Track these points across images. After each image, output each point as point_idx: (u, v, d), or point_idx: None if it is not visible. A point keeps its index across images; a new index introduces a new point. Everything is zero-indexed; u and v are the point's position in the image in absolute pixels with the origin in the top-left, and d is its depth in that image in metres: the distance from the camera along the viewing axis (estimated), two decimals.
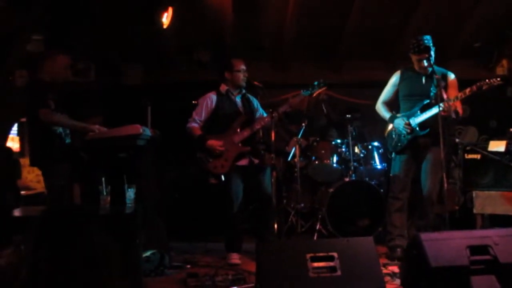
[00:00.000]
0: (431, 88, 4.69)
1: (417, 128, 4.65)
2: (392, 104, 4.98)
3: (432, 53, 4.62)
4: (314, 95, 4.98)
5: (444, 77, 4.65)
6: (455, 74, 4.82)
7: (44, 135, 4.30)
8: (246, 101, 5.03)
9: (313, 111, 7.12)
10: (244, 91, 5.03)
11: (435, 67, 4.68)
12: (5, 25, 5.29)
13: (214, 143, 4.71)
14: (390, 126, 4.92)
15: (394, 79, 4.96)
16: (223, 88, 4.96)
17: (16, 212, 3.77)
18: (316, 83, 4.87)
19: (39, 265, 1.56)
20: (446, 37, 6.91)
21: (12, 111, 6.15)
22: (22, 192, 6.08)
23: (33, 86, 4.43)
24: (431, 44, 4.61)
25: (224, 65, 5.00)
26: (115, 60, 6.97)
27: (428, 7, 6.27)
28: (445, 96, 4.43)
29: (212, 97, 4.93)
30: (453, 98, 4.44)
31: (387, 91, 5.01)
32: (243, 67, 4.92)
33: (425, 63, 4.63)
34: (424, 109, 4.64)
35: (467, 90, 4.39)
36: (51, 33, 5.87)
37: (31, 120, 4.39)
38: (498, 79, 4.36)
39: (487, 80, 4.33)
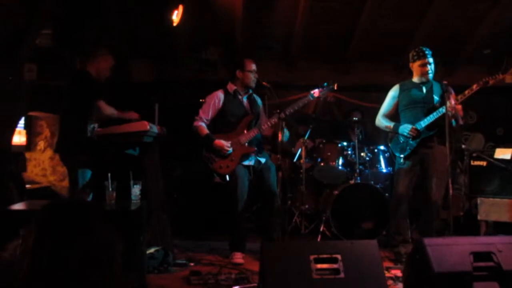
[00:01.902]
0: (433, 95, 4.73)
1: (425, 130, 4.66)
2: (392, 118, 4.99)
3: (433, 61, 4.75)
4: (325, 95, 4.97)
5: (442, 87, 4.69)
6: (463, 81, 4.86)
7: (79, 126, 4.35)
8: (252, 102, 5.04)
9: (320, 112, 7.13)
10: (251, 91, 5.04)
11: (434, 82, 4.77)
12: (17, 18, 5.32)
13: (222, 143, 4.72)
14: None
15: (393, 92, 5.01)
16: (231, 87, 4.97)
17: (21, 206, 3.79)
18: (325, 84, 4.88)
19: (41, 258, 1.56)
20: (455, 44, 6.91)
21: (20, 104, 6.18)
22: (28, 186, 6.11)
23: (86, 77, 4.48)
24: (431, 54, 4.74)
25: (236, 64, 5.00)
26: (124, 56, 6.98)
27: (439, 13, 6.27)
28: (453, 102, 4.46)
29: (220, 95, 4.94)
30: (460, 96, 4.49)
31: (386, 104, 5.04)
32: (254, 68, 4.93)
33: (428, 67, 4.68)
34: (428, 113, 4.66)
35: (474, 86, 4.48)
36: (61, 27, 5.89)
37: (72, 108, 4.41)
38: (504, 74, 4.42)
39: (494, 76, 4.39)
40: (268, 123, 4.83)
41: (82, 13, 5.72)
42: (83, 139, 4.33)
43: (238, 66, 4.94)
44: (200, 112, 4.92)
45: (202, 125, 4.86)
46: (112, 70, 4.68)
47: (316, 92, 4.87)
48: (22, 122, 6.72)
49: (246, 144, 4.81)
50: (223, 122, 4.91)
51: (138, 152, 4.53)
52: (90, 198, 4.36)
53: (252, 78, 4.90)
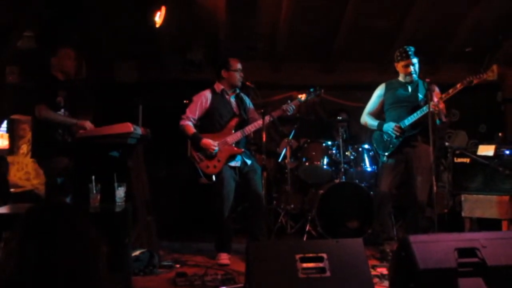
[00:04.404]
0: (418, 94, 4.76)
1: (409, 129, 4.69)
2: (377, 117, 5.02)
3: (417, 60, 4.78)
4: (311, 100, 4.98)
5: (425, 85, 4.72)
6: (446, 79, 4.89)
7: (47, 129, 4.38)
8: (240, 101, 5.04)
9: (305, 112, 7.15)
10: (238, 90, 5.04)
11: (419, 80, 4.80)
12: (2, 20, 5.27)
13: (209, 142, 4.71)
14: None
15: (379, 91, 5.04)
16: (218, 87, 4.96)
17: (5, 209, 3.75)
18: (312, 89, 4.90)
19: (27, 261, 1.55)
20: (438, 42, 6.96)
21: (2, 107, 6.12)
22: (11, 190, 6.04)
23: (44, 81, 4.49)
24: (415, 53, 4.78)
25: (221, 64, 4.99)
26: (107, 57, 6.94)
27: (421, 12, 6.31)
28: (436, 100, 4.50)
29: (207, 95, 4.92)
30: (444, 94, 4.53)
31: (372, 103, 5.07)
32: (239, 67, 4.93)
33: (411, 68, 4.71)
34: (412, 111, 4.69)
35: (458, 85, 4.49)
36: (44, 29, 5.85)
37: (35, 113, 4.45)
38: (487, 73, 4.47)
39: (478, 75, 4.44)
40: (255, 124, 4.82)
41: (66, 15, 5.68)
42: (56, 142, 4.34)
43: (223, 66, 4.94)
44: (187, 111, 4.90)
45: (189, 124, 4.85)
46: (74, 60, 4.67)
47: (303, 96, 4.89)
48: (4, 125, 6.65)
49: (233, 144, 4.81)
50: (211, 122, 4.90)
51: (121, 154, 4.50)
52: (68, 199, 4.35)
53: (238, 77, 4.90)
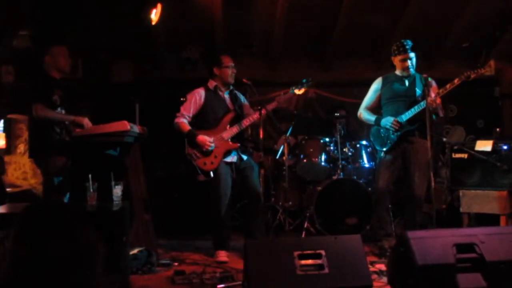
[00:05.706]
0: (416, 89, 4.75)
1: (407, 124, 4.67)
2: (374, 111, 5.00)
3: (415, 55, 4.76)
4: (303, 91, 4.97)
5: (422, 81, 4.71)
6: (443, 74, 4.87)
7: (44, 127, 4.36)
8: (234, 97, 5.03)
9: (302, 109, 7.14)
10: (232, 87, 5.03)
11: (416, 74, 4.77)
12: None
13: (205, 139, 4.70)
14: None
15: (376, 85, 5.02)
16: (212, 84, 4.96)
17: (2, 209, 3.74)
18: (304, 80, 4.90)
19: (21, 260, 1.53)
20: (434, 38, 6.96)
21: None
22: (8, 189, 6.02)
23: (40, 80, 4.49)
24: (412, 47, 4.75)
25: (213, 61, 5.00)
26: (103, 56, 6.92)
27: (417, 8, 6.30)
28: (433, 95, 4.48)
29: (201, 92, 4.92)
30: (441, 90, 4.52)
31: (369, 97, 5.05)
32: (231, 63, 4.93)
33: (409, 62, 4.70)
34: (410, 106, 4.67)
35: (456, 80, 4.48)
36: (39, 28, 5.82)
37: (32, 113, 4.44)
38: (485, 68, 4.46)
39: (475, 70, 4.43)
40: (250, 118, 4.82)
41: (61, 14, 5.66)
42: (54, 140, 4.34)
43: (215, 63, 4.96)
44: (182, 109, 4.89)
45: (184, 121, 4.84)
46: (68, 58, 4.65)
47: (295, 88, 4.90)
48: (1, 125, 6.63)
49: (229, 140, 4.80)
50: (205, 119, 4.89)
51: (119, 153, 4.49)
52: (66, 198, 4.34)
53: (229, 74, 4.91)
